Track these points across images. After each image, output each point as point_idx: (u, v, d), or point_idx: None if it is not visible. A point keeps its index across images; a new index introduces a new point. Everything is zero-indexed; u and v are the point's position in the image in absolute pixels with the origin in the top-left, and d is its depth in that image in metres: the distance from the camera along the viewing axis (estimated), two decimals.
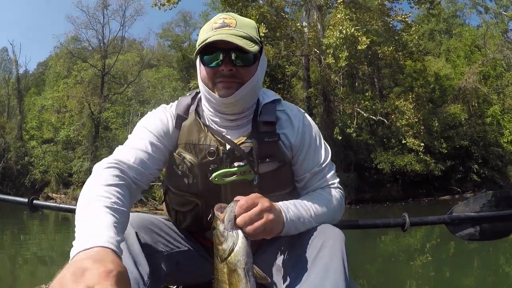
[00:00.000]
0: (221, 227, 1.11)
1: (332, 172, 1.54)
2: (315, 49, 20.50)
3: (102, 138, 29.04)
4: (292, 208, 1.31)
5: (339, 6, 18.16)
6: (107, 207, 1.05)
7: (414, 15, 27.44)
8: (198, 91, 1.57)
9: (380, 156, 21.44)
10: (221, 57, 1.33)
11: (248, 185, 1.40)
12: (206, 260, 1.52)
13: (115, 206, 1.08)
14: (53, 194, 26.45)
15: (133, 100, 33.61)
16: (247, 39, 1.33)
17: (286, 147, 1.47)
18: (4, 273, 6.14)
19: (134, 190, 1.30)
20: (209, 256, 1.49)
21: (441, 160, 21.77)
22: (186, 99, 1.54)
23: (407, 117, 19.42)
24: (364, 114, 20.52)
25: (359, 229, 2.11)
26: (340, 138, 19.15)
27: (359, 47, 16.95)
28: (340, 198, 1.51)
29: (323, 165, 1.51)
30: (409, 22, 20.24)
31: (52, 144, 29.78)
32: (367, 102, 20.13)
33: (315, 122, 1.62)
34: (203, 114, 1.50)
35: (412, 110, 19.59)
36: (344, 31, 16.72)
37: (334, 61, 18.07)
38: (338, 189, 1.53)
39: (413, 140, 19.23)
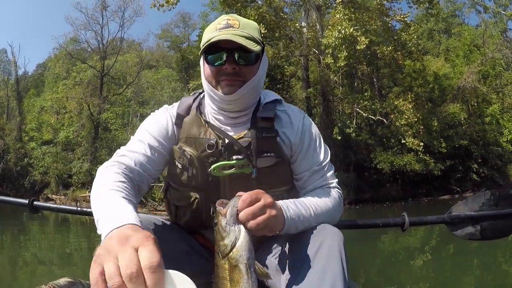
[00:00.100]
0: (223, 221, 1.09)
1: (331, 172, 1.57)
2: (314, 49, 20.52)
3: (102, 139, 28.99)
4: (292, 207, 1.32)
5: (337, 6, 18.16)
6: (124, 197, 1.16)
7: (413, 15, 27.53)
8: (200, 92, 1.65)
9: (379, 156, 21.41)
10: (224, 56, 1.39)
11: (246, 179, 1.44)
12: (206, 260, 1.53)
13: (130, 198, 1.19)
14: (53, 195, 26.41)
15: (132, 101, 33.60)
16: (249, 40, 1.38)
17: (285, 146, 1.51)
18: (4, 274, 6.14)
19: (136, 192, 1.34)
20: (209, 256, 1.50)
21: (440, 159, 21.74)
22: (188, 99, 1.61)
23: (407, 116, 19.41)
24: (364, 114, 20.51)
25: (359, 229, 2.11)
26: (339, 138, 19.14)
27: (358, 47, 16.95)
28: (339, 198, 1.53)
29: (322, 165, 1.55)
30: (408, 22, 20.23)
31: (51, 145, 29.74)
32: (366, 102, 20.11)
33: (315, 122, 1.65)
34: (204, 111, 1.57)
35: (412, 110, 19.58)
36: (343, 31, 16.71)
37: (333, 61, 18.07)
38: (336, 189, 1.55)
39: (412, 139, 19.21)
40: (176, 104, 1.63)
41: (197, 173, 1.46)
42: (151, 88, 32.99)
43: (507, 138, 25.35)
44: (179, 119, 1.54)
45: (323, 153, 1.57)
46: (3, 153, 28.46)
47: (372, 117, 20.38)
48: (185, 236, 1.58)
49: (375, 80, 25.00)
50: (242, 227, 1.10)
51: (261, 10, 19.25)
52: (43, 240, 10.25)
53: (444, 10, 37.97)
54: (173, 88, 30.78)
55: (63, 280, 2.55)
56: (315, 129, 1.60)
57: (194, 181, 1.48)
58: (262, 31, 16.72)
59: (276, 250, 1.51)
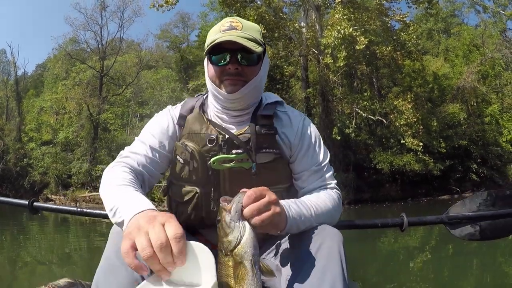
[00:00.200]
0: (227, 217, 1.09)
1: (330, 173, 1.59)
2: (313, 49, 20.52)
3: (101, 140, 28.97)
4: (294, 206, 1.32)
5: (337, 6, 18.14)
6: (136, 190, 1.29)
7: (412, 15, 27.48)
8: (203, 93, 1.71)
9: (379, 156, 21.40)
10: (228, 57, 1.45)
11: (246, 175, 1.48)
12: None
13: (140, 191, 1.30)
14: (53, 196, 26.39)
15: (131, 101, 33.62)
16: (252, 41, 1.44)
17: (285, 145, 1.55)
18: (3, 274, 6.14)
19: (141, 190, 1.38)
20: None
21: (440, 159, 21.73)
22: (192, 100, 1.68)
23: (406, 116, 19.40)
24: (363, 114, 20.52)
25: (358, 229, 2.12)
26: (339, 138, 19.14)
27: (357, 47, 16.94)
28: (338, 199, 1.54)
29: (321, 165, 1.57)
30: (407, 22, 20.21)
31: (51, 145, 29.70)
32: (365, 102, 20.11)
33: (314, 122, 1.68)
34: (207, 111, 1.62)
35: (411, 110, 19.56)
36: (342, 31, 16.71)
37: (332, 61, 18.08)
38: (335, 190, 1.56)
39: (412, 139, 19.21)
40: (179, 105, 1.69)
41: (198, 167, 1.50)
42: (151, 89, 33.01)
43: (507, 138, 25.32)
44: (182, 119, 1.60)
45: (323, 154, 1.60)
46: (3, 154, 28.42)
47: (372, 117, 20.39)
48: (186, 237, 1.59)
49: (374, 80, 24.98)
50: (246, 223, 1.09)
51: (260, 10, 19.24)
52: (42, 240, 10.25)
53: (444, 10, 37.97)
54: (172, 89, 30.82)
55: (62, 281, 2.55)
56: (315, 131, 1.63)
57: (195, 175, 1.52)
58: (262, 31, 16.67)
59: (276, 250, 1.52)
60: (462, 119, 23.59)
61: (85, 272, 5.98)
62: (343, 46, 17.10)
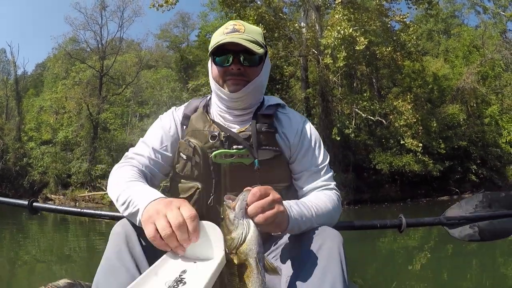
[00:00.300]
0: (231, 215, 1.10)
1: (330, 174, 1.62)
2: (313, 50, 20.49)
3: (101, 139, 29.00)
4: (295, 207, 1.33)
5: (337, 6, 18.11)
6: (145, 184, 1.42)
7: (412, 16, 27.51)
8: (207, 95, 1.78)
9: (378, 157, 21.39)
10: (231, 58, 1.52)
11: (246, 171, 1.53)
12: None
13: (149, 186, 1.41)
14: (52, 195, 26.39)
15: (131, 101, 33.65)
16: (253, 43, 1.50)
17: (285, 146, 1.60)
18: (3, 274, 6.13)
19: None
20: None
21: (439, 160, 21.72)
22: (196, 101, 1.75)
23: (406, 117, 19.38)
24: (363, 115, 20.50)
25: (357, 230, 2.12)
26: (338, 138, 19.10)
27: (357, 48, 16.91)
28: (337, 200, 1.55)
29: (321, 166, 1.60)
30: (407, 23, 20.17)
31: (50, 145, 29.73)
32: (365, 103, 20.08)
33: (314, 123, 1.71)
34: (210, 110, 1.68)
35: (411, 111, 19.53)
36: (342, 32, 16.69)
37: (332, 61, 18.05)
38: (335, 191, 1.58)
39: (411, 140, 19.18)
40: (183, 106, 1.75)
41: (200, 162, 1.55)
42: (150, 88, 33.04)
43: (506, 139, 25.31)
44: (186, 119, 1.67)
45: (322, 156, 1.63)
46: (2, 153, 28.41)
47: (371, 117, 20.37)
48: None
49: (374, 80, 24.98)
50: (251, 221, 1.10)
51: (260, 10, 19.21)
52: (42, 239, 10.23)
53: (444, 11, 37.99)
54: (172, 88, 30.82)
55: (62, 282, 2.56)
56: (315, 133, 1.67)
57: (197, 171, 1.56)
58: (260, 29, 16.64)
59: (276, 251, 1.54)
60: (461, 120, 23.58)
61: (85, 273, 5.97)
62: (343, 47, 17.08)
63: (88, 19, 32.21)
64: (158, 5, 19.42)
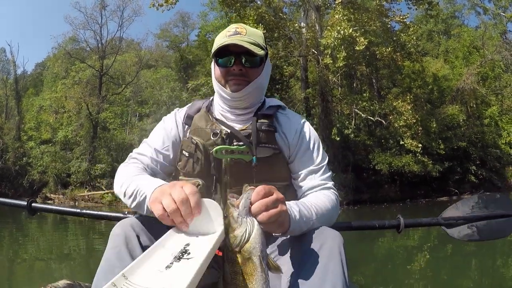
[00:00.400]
0: (235, 213, 1.10)
1: (328, 174, 1.65)
2: (313, 50, 20.48)
3: (100, 139, 28.99)
4: (295, 207, 1.35)
5: (337, 6, 18.10)
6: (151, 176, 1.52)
7: (412, 16, 27.53)
8: (210, 97, 1.84)
9: (378, 157, 21.38)
10: (233, 59, 1.59)
11: (246, 168, 1.56)
12: None
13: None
14: (51, 195, 26.39)
15: (131, 101, 33.65)
16: (254, 45, 1.57)
17: (284, 145, 1.64)
18: (2, 275, 6.13)
19: None
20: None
21: (439, 161, 21.71)
22: (199, 102, 1.81)
23: (405, 118, 19.38)
24: (362, 115, 20.51)
25: (355, 231, 2.13)
26: (338, 139, 19.09)
27: (357, 48, 16.91)
28: (336, 199, 1.57)
29: (319, 166, 1.64)
30: (407, 23, 20.16)
31: (50, 144, 29.72)
32: (365, 103, 20.10)
33: (313, 123, 1.74)
34: (213, 110, 1.74)
35: (410, 111, 19.53)
36: (342, 32, 16.68)
37: (332, 61, 18.04)
38: (333, 190, 1.60)
39: (411, 141, 19.17)
40: (186, 107, 1.81)
41: (201, 158, 1.60)
42: (150, 88, 33.03)
43: (506, 140, 25.35)
44: (189, 119, 1.72)
45: (321, 156, 1.66)
46: (2, 153, 28.40)
47: (371, 118, 20.38)
48: None
49: (374, 81, 24.97)
50: (254, 219, 1.11)
51: (260, 10, 19.20)
52: (41, 239, 10.23)
53: (444, 11, 38.03)
54: (172, 88, 30.82)
55: (62, 283, 2.56)
56: (314, 134, 1.71)
57: (198, 167, 1.61)
58: (261, 31, 16.63)
59: (277, 251, 1.55)
60: (461, 120, 23.57)
61: (84, 273, 5.97)
62: (342, 47, 17.08)
63: (88, 18, 32.26)
64: (158, 5, 19.41)
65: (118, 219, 1.88)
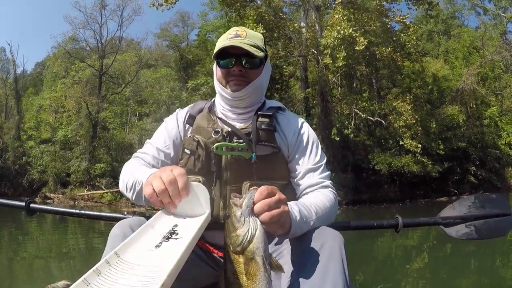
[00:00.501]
0: (237, 212, 1.11)
1: (327, 174, 1.68)
2: (313, 50, 20.50)
3: (100, 138, 28.93)
4: (295, 208, 1.35)
5: (337, 6, 18.12)
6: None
7: (412, 16, 27.47)
8: (212, 98, 1.91)
9: (377, 157, 21.37)
10: (233, 60, 1.66)
11: (246, 166, 1.61)
12: (206, 264, 1.63)
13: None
14: (51, 194, 26.33)
15: (131, 100, 33.58)
16: (254, 47, 1.64)
17: (283, 144, 1.69)
18: (2, 275, 6.12)
19: None
20: (209, 260, 1.64)
21: (438, 161, 21.70)
22: (201, 102, 1.88)
23: (405, 118, 19.39)
24: (362, 115, 20.52)
25: (354, 231, 2.13)
26: (337, 139, 19.08)
27: (357, 48, 16.93)
28: (334, 198, 1.59)
29: (317, 165, 1.67)
30: (407, 23, 20.16)
31: (50, 144, 29.61)
32: (364, 103, 20.09)
33: (313, 123, 1.77)
34: (215, 110, 1.80)
35: (410, 111, 19.55)
36: (342, 32, 16.70)
37: (331, 61, 18.05)
38: (330, 189, 1.63)
39: (410, 141, 19.18)
40: (188, 107, 1.88)
41: (203, 155, 1.64)
42: (150, 87, 32.96)
43: (505, 140, 25.35)
44: (191, 118, 1.78)
45: (319, 156, 1.70)
46: (1, 152, 28.36)
47: (371, 118, 20.39)
48: None
49: (373, 81, 24.94)
50: (257, 219, 1.11)
51: (260, 10, 19.22)
52: (41, 239, 10.23)
53: (444, 12, 37.98)
54: (171, 87, 30.75)
55: (61, 283, 2.56)
56: (313, 134, 1.76)
57: (199, 164, 1.64)
58: (261, 31, 16.78)
59: (277, 251, 1.57)
60: (461, 121, 23.56)
61: (84, 273, 5.96)
62: (342, 47, 17.10)
63: (87, 18, 32.12)
64: (158, 4, 19.44)
65: (117, 219, 1.88)
